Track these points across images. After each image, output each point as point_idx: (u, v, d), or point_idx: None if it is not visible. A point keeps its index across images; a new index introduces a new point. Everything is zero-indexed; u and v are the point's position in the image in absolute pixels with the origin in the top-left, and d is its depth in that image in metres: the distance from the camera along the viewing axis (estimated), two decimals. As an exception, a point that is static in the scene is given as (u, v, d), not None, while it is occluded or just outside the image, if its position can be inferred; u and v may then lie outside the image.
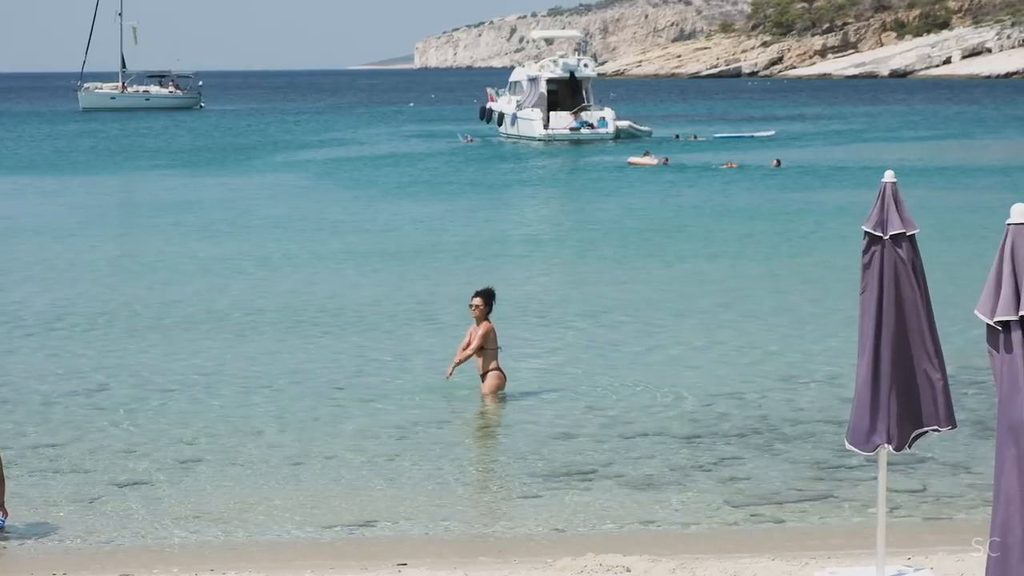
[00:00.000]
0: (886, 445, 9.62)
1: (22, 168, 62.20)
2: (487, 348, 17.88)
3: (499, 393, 17.92)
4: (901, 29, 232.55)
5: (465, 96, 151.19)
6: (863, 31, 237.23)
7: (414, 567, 11.92)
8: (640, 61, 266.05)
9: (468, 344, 18.02)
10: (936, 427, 9.62)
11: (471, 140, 79.37)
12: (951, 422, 9.64)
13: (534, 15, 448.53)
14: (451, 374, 18.08)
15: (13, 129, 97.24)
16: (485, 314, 17.92)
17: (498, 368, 17.99)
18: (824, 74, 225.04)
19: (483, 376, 17.98)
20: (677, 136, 79.57)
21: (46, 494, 14.03)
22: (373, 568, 11.91)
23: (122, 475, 14.80)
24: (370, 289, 27.28)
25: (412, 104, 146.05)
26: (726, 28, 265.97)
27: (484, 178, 56.04)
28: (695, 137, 79.66)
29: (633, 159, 61.22)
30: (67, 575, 11.92)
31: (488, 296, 18.00)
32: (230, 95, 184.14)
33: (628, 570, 11.49)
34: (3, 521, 12.85)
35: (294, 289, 27.26)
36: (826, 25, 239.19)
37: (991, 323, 7.39)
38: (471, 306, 18.00)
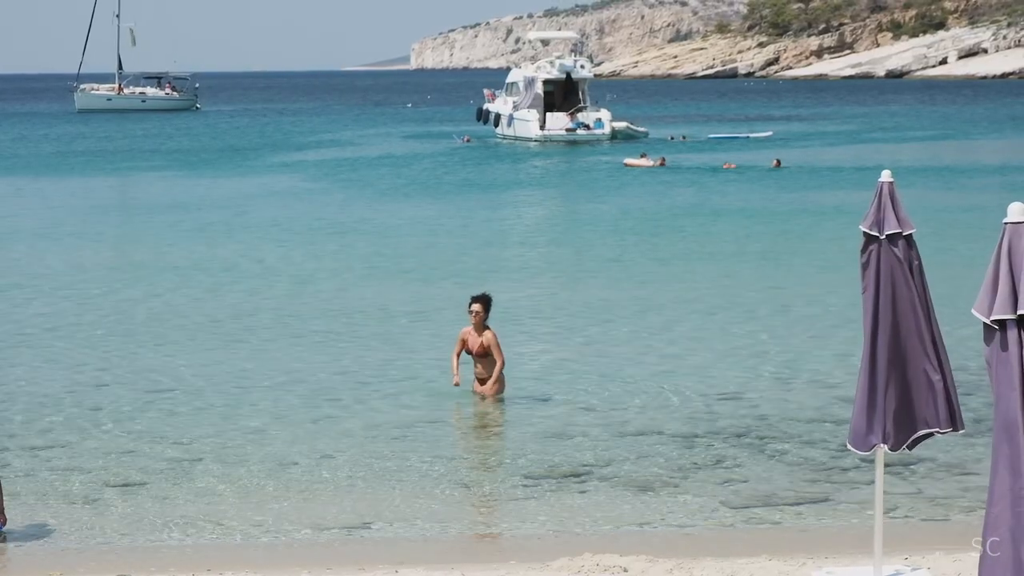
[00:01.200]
0: (882, 445, 9.61)
1: (19, 169, 62.16)
2: (491, 355, 17.79)
3: (498, 396, 17.88)
4: (897, 30, 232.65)
5: (461, 97, 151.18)
6: (859, 32, 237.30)
7: (411, 568, 11.91)
8: (636, 62, 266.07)
9: (461, 351, 17.86)
10: (937, 429, 9.54)
11: (468, 141, 79.40)
12: (953, 424, 9.50)
13: (530, 16, 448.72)
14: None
15: (10, 130, 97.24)
16: (484, 320, 17.84)
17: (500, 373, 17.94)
18: (820, 75, 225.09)
19: (483, 381, 17.91)
20: (672, 138, 79.57)
21: (44, 495, 14.01)
22: (370, 569, 11.90)
23: (120, 476, 14.79)
24: (367, 290, 27.27)
25: (410, 105, 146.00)
26: (722, 29, 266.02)
27: (481, 179, 56.05)
28: (684, 138, 79.54)
29: (629, 160, 61.22)
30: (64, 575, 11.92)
31: (487, 301, 17.90)
32: (226, 96, 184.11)
33: (625, 570, 11.49)
34: (2, 527, 12.83)
35: (291, 290, 27.25)
36: (822, 26, 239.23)
37: (988, 322, 7.39)
38: (470, 312, 17.89)
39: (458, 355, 17.90)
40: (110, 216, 43.75)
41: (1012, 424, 7.32)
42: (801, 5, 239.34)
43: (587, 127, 77.08)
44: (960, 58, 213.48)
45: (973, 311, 7.39)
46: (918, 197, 41.46)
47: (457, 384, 17.79)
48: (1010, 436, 7.33)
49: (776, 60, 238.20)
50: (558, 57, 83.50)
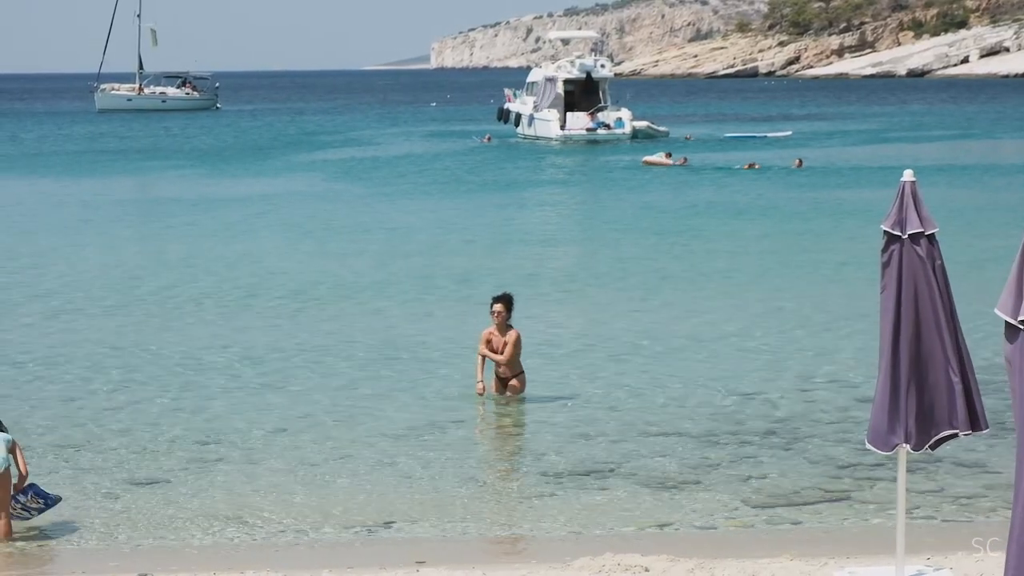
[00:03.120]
0: (904, 445, 9.57)
1: (40, 168, 62.31)
2: (514, 355, 17.77)
3: (519, 395, 17.87)
4: (918, 28, 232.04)
5: (482, 96, 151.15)
6: (880, 30, 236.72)
7: (432, 567, 11.91)
8: (656, 61, 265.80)
9: (488, 353, 17.84)
10: (961, 431, 9.47)
11: (489, 140, 79.40)
12: (976, 425, 9.44)
13: (550, 15, 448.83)
14: (484, 391, 17.88)
15: (33, 129, 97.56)
16: (507, 319, 17.81)
17: (522, 371, 17.93)
18: (841, 74, 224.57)
19: (506, 380, 17.89)
20: (688, 137, 79.33)
21: (65, 493, 14.02)
22: (391, 568, 11.90)
23: (141, 475, 14.82)
24: (387, 288, 27.27)
25: (434, 104, 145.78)
26: (743, 28, 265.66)
27: (502, 178, 56.05)
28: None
29: (648, 157, 61.11)
30: (85, 575, 11.93)
31: (509, 301, 17.87)
32: (246, 96, 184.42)
33: (647, 570, 11.47)
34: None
35: (311, 289, 27.27)
36: (843, 24, 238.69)
37: (1012, 322, 7.34)
38: (492, 313, 17.87)
39: (484, 359, 17.88)
40: (132, 214, 43.82)
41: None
42: (822, 4, 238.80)
43: (607, 127, 77.00)
44: (982, 57, 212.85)
45: (996, 310, 7.36)
46: (940, 196, 41.35)
47: (482, 391, 17.76)
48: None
49: (797, 59, 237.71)
50: (578, 56, 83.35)
